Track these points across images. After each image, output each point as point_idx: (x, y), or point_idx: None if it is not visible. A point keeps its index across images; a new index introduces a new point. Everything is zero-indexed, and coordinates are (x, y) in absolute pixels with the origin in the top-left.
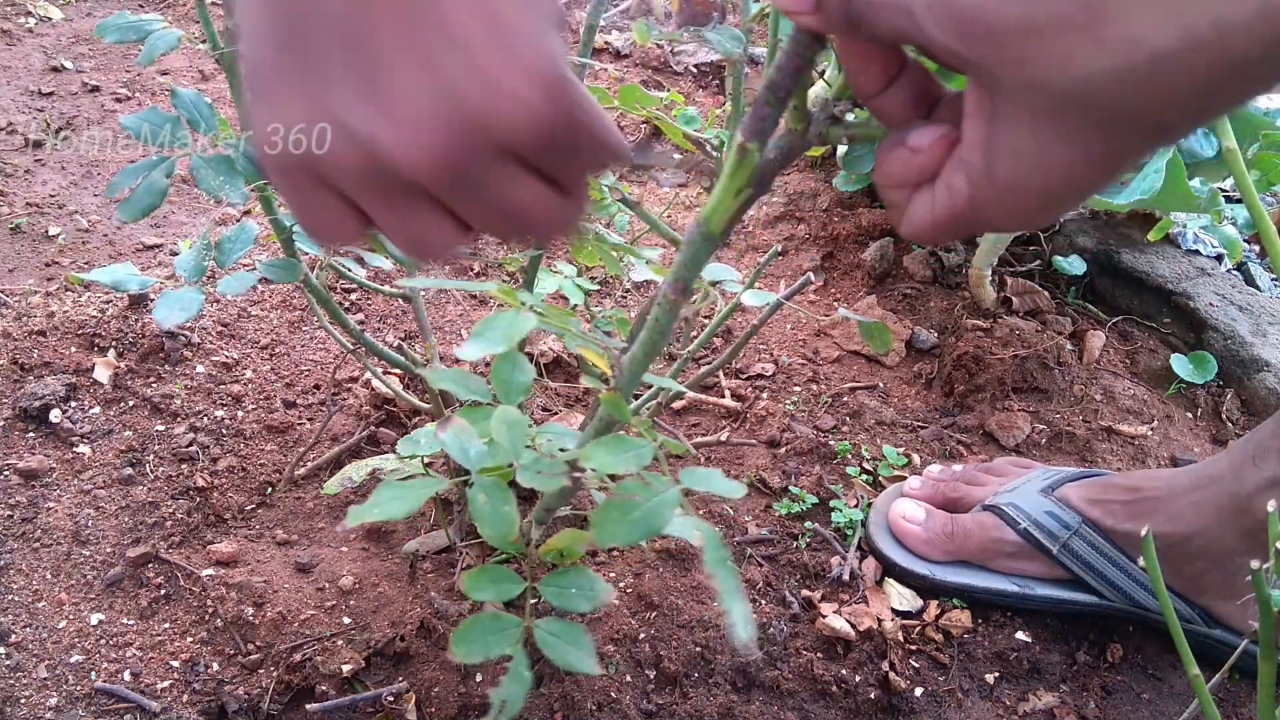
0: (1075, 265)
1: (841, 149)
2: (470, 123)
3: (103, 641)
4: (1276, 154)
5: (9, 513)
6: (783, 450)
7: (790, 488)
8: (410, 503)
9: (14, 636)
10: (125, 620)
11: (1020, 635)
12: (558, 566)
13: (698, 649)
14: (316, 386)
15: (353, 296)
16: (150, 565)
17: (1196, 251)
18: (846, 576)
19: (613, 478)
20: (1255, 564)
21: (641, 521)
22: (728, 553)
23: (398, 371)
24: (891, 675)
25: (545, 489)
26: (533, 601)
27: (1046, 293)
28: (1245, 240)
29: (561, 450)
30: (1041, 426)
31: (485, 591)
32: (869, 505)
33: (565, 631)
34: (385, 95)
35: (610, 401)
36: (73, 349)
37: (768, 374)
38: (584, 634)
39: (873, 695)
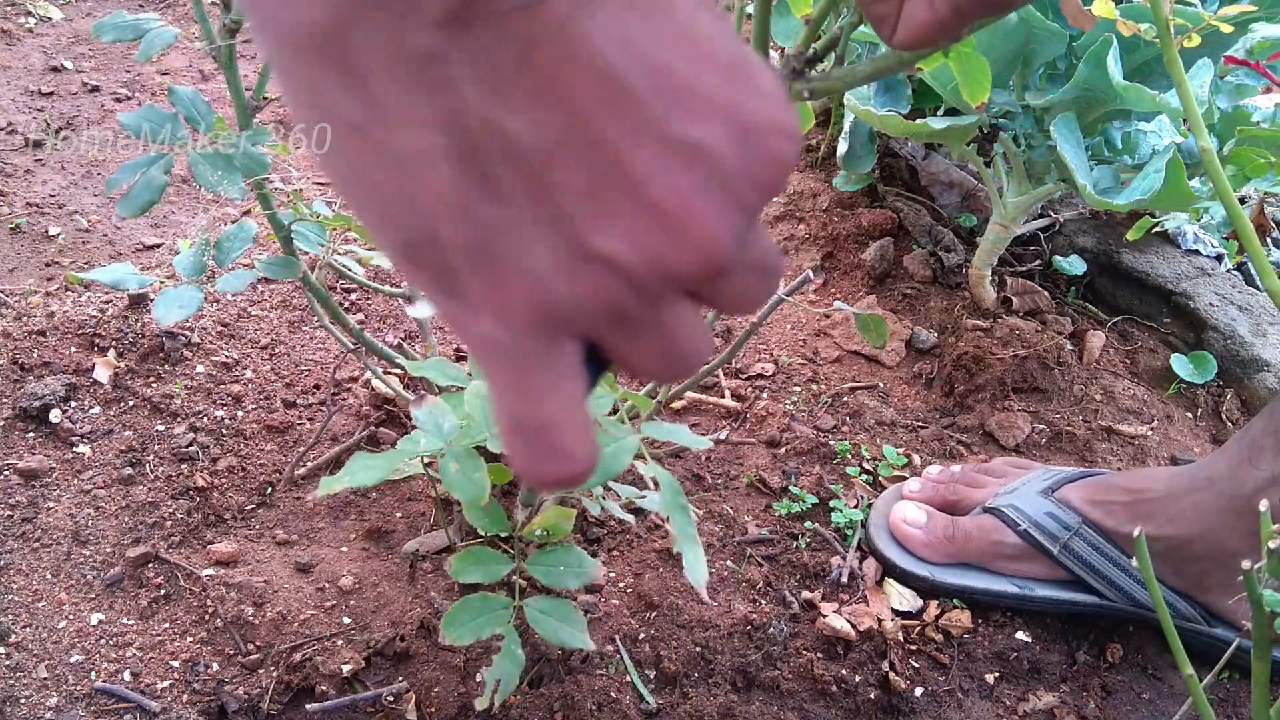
0: (1075, 265)
1: (841, 148)
2: (748, 180)
3: (103, 641)
4: (1253, 149)
5: (9, 513)
6: (783, 450)
7: (790, 488)
8: (380, 471)
9: (14, 636)
10: (125, 620)
11: (1020, 635)
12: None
13: (698, 649)
14: (316, 386)
15: (353, 296)
16: (150, 565)
17: (1196, 251)
18: (846, 577)
19: None
20: (1247, 564)
21: (600, 466)
22: (684, 499)
23: (398, 371)
24: (891, 675)
25: None
26: (523, 583)
27: (1046, 293)
28: (1224, 238)
29: None
30: (1041, 426)
31: (473, 573)
32: (869, 505)
33: (556, 609)
34: (637, 199)
35: None
36: (73, 349)
37: (768, 374)
38: (574, 610)
39: (873, 695)
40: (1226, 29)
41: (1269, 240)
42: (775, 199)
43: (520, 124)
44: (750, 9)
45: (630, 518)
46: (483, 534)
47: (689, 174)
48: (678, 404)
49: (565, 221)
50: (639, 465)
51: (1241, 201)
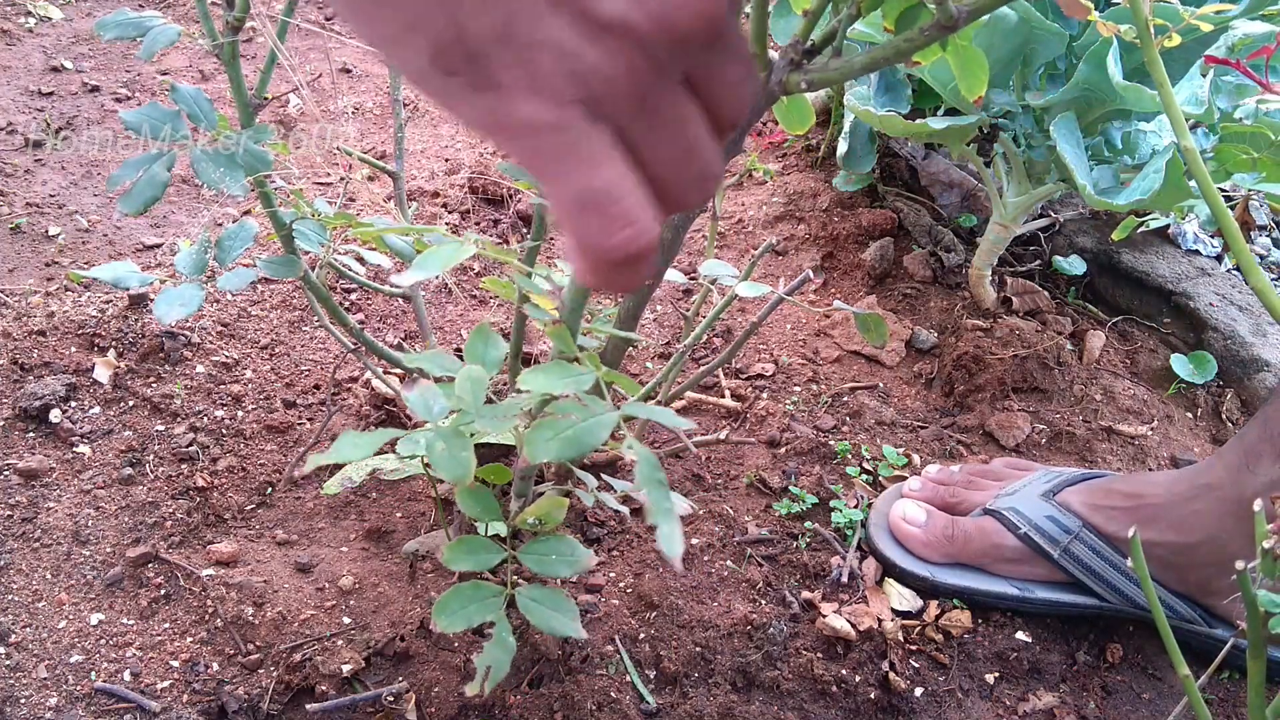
0: (1075, 265)
1: (841, 148)
2: None
3: (103, 641)
4: (1237, 145)
5: (9, 513)
6: (783, 450)
7: (790, 488)
8: (366, 449)
9: (14, 636)
10: (125, 620)
11: (1020, 635)
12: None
13: (698, 649)
14: (316, 386)
15: (353, 296)
16: (150, 565)
17: (1196, 251)
18: (846, 577)
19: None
20: (1241, 564)
21: (574, 439)
22: (662, 474)
23: (398, 371)
24: (891, 675)
25: (499, 431)
26: (518, 581)
27: (1046, 293)
28: (1210, 236)
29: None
30: (1041, 426)
31: (464, 562)
32: (869, 505)
33: (547, 597)
34: None
35: (556, 334)
36: (73, 349)
37: (768, 374)
38: (566, 599)
39: (873, 695)
40: (1206, 27)
41: (1268, 235)
42: (775, 199)
43: None
44: (748, 8)
45: (624, 509)
46: (479, 531)
47: None
48: (678, 404)
49: None
50: (618, 445)
51: (1231, 202)
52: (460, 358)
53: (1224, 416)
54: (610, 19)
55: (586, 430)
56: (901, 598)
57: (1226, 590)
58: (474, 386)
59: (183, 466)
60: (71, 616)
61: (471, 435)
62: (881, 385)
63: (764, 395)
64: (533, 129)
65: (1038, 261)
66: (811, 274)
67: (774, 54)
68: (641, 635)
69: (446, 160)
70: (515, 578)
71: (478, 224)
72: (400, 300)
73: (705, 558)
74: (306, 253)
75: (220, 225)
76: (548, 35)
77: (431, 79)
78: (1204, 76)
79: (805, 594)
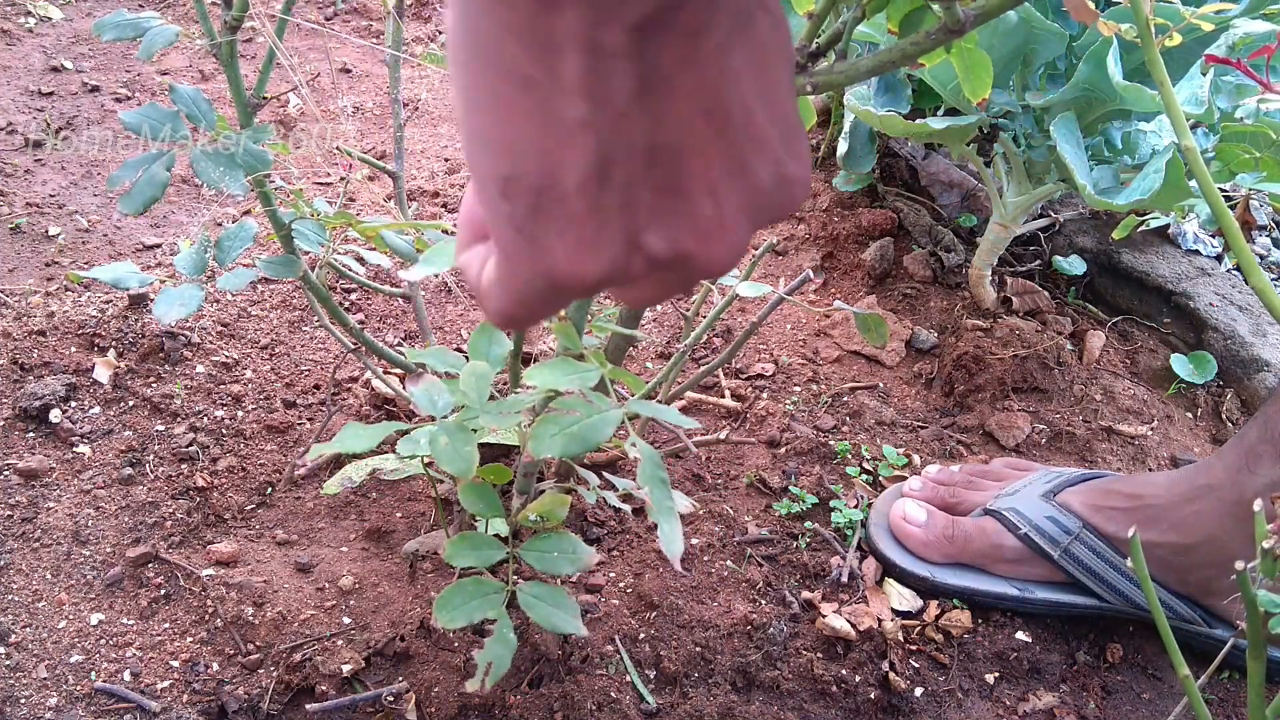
0: (1075, 265)
1: (841, 148)
2: (768, 214)
3: (103, 641)
4: (1238, 145)
5: (9, 513)
6: (783, 450)
7: (790, 488)
8: (369, 440)
9: (14, 636)
10: (125, 620)
11: (1020, 635)
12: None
13: (698, 649)
14: (316, 386)
15: (353, 296)
16: (150, 565)
17: (1196, 251)
18: (846, 577)
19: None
20: (1240, 564)
21: (579, 435)
22: (664, 472)
23: (398, 371)
24: (891, 675)
25: (504, 426)
26: (518, 580)
27: (1046, 293)
28: (1211, 235)
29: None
30: (1041, 426)
31: (466, 558)
32: (869, 505)
33: (548, 594)
34: (692, 206)
35: (562, 330)
36: (73, 349)
37: (768, 374)
38: (567, 596)
39: (873, 695)
40: (1207, 27)
41: (1269, 235)
42: None
43: (647, 124)
44: None
45: (626, 507)
46: (480, 528)
47: (738, 196)
48: (678, 404)
49: (635, 210)
50: (621, 443)
51: (1231, 202)
52: (459, 352)
53: (1224, 416)
54: (644, 245)
55: (591, 427)
56: (901, 598)
57: (1226, 590)
58: (479, 382)
59: (183, 466)
60: (71, 616)
61: (475, 431)
62: (881, 385)
63: (764, 395)
64: (520, 288)
65: (1038, 261)
66: (811, 274)
67: None
68: (641, 635)
69: (446, 160)
70: (515, 576)
71: None
72: (400, 300)
73: (705, 558)
74: (306, 253)
75: (220, 225)
76: (599, 233)
77: (489, 194)
78: (1204, 76)
79: (805, 594)
